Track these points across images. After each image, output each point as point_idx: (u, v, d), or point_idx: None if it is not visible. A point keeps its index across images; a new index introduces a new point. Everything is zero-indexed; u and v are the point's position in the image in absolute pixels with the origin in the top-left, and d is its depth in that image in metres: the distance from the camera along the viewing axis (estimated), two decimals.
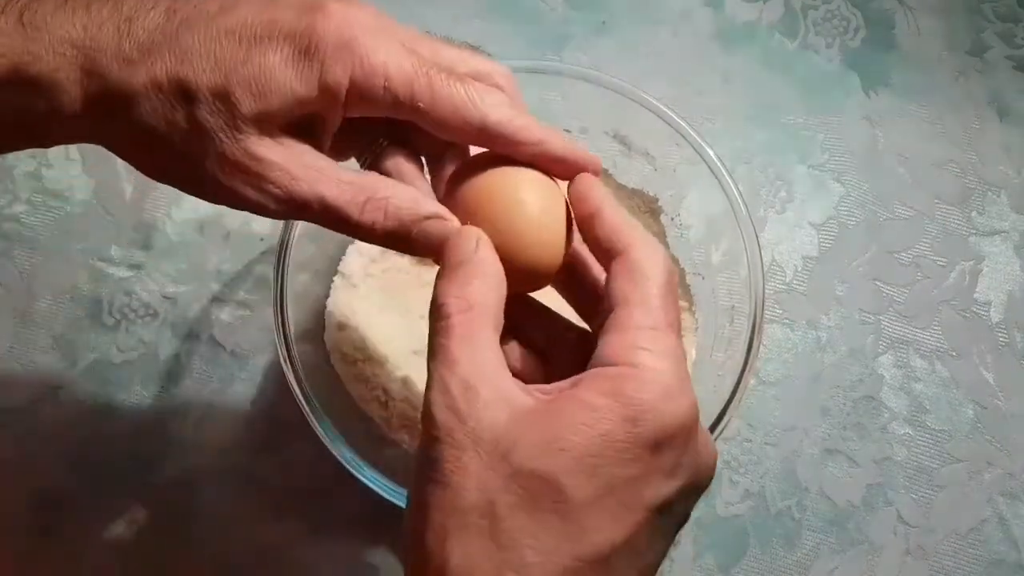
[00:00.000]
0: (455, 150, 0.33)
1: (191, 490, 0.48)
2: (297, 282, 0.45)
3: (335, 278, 0.48)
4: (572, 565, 0.25)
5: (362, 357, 0.46)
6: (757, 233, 0.44)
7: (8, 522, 0.48)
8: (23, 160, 0.53)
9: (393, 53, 0.29)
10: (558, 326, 0.34)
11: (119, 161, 0.52)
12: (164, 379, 0.50)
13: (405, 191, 0.31)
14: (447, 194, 0.32)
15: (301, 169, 0.30)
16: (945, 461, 0.50)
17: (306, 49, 0.29)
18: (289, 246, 0.43)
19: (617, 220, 0.30)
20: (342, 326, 0.47)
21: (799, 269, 0.52)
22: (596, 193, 0.31)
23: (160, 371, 0.50)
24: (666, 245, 0.49)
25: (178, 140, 0.29)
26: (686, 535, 0.48)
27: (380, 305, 0.48)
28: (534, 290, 0.32)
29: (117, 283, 0.51)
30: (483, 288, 0.29)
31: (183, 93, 0.29)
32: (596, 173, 0.32)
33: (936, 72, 0.56)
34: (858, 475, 0.49)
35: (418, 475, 0.27)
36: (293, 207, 0.30)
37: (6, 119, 0.30)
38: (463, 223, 0.31)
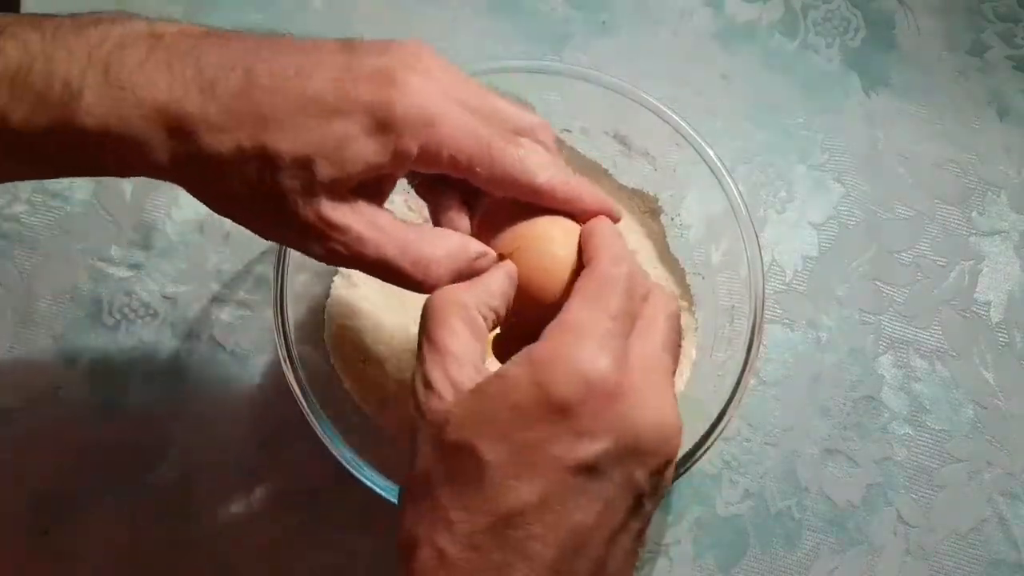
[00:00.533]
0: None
1: (191, 490, 0.48)
2: (297, 282, 0.45)
3: (335, 278, 0.48)
4: (489, 521, 0.28)
5: (362, 357, 0.46)
6: (757, 233, 0.44)
7: (8, 522, 0.48)
8: None
9: (459, 126, 0.32)
10: None
11: None
12: (164, 379, 0.50)
13: (452, 242, 0.34)
14: (481, 229, 0.36)
15: (368, 231, 0.32)
16: (945, 461, 0.50)
17: (383, 122, 0.31)
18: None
19: (601, 241, 0.33)
20: (342, 326, 0.47)
21: (799, 269, 0.52)
22: (599, 224, 0.35)
23: (160, 371, 0.50)
24: (666, 245, 0.49)
25: (257, 200, 0.32)
26: (686, 535, 0.48)
27: (380, 305, 0.48)
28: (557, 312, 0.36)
29: (117, 283, 0.51)
30: (463, 294, 0.32)
31: (266, 160, 0.30)
32: (614, 216, 0.35)
33: (936, 72, 0.56)
34: (858, 475, 0.49)
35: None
36: (357, 264, 0.33)
37: (89, 165, 0.32)
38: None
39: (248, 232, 0.52)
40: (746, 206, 0.44)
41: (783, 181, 0.54)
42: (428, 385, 0.30)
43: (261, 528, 0.48)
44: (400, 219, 0.34)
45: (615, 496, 0.29)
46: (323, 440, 0.41)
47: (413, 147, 0.31)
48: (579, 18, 0.57)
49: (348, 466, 0.41)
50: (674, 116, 0.45)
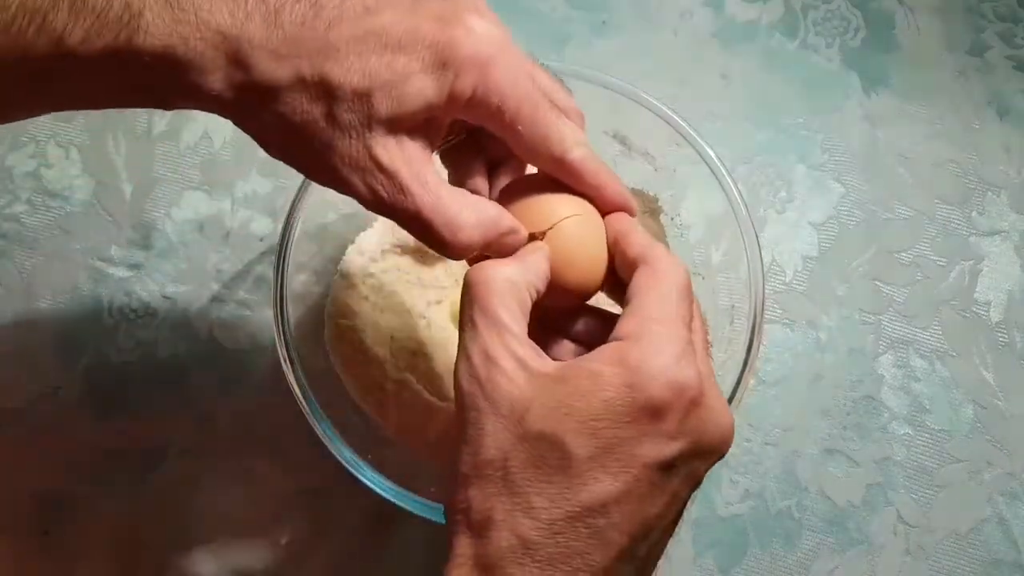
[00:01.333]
0: (515, 163, 0.37)
1: (191, 490, 0.48)
2: (297, 282, 0.45)
3: (335, 278, 0.48)
4: (573, 510, 0.29)
5: (362, 357, 0.46)
6: (757, 233, 0.44)
7: (8, 522, 0.48)
8: (23, 160, 0.53)
9: (514, 77, 0.32)
10: (609, 325, 0.37)
11: (119, 161, 0.53)
12: (164, 379, 0.50)
13: (487, 212, 0.34)
14: (503, 203, 0.35)
15: (412, 182, 0.32)
16: (945, 461, 0.50)
17: (445, 60, 0.31)
18: (289, 246, 0.43)
19: (646, 240, 0.34)
20: (342, 326, 0.47)
21: (799, 269, 0.52)
22: (627, 220, 0.35)
23: (160, 371, 0.50)
24: (666, 245, 0.49)
25: (310, 131, 0.31)
26: (686, 535, 0.48)
27: (380, 305, 0.48)
28: (582, 302, 0.36)
29: (117, 283, 0.51)
30: (511, 270, 0.32)
31: (325, 90, 0.30)
32: (632, 214, 0.36)
33: (936, 72, 0.56)
34: (858, 475, 0.49)
35: (455, 436, 0.31)
36: (390, 211, 0.32)
37: (143, 88, 0.31)
38: None
39: (248, 232, 0.52)
40: (746, 206, 0.44)
41: (783, 181, 0.54)
42: (491, 360, 0.30)
43: (261, 528, 0.48)
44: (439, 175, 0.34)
45: (680, 490, 0.31)
46: (323, 440, 0.41)
47: (468, 88, 0.31)
48: (579, 18, 0.57)
49: (348, 466, 0.41)
50: (674, 116, 0.45)
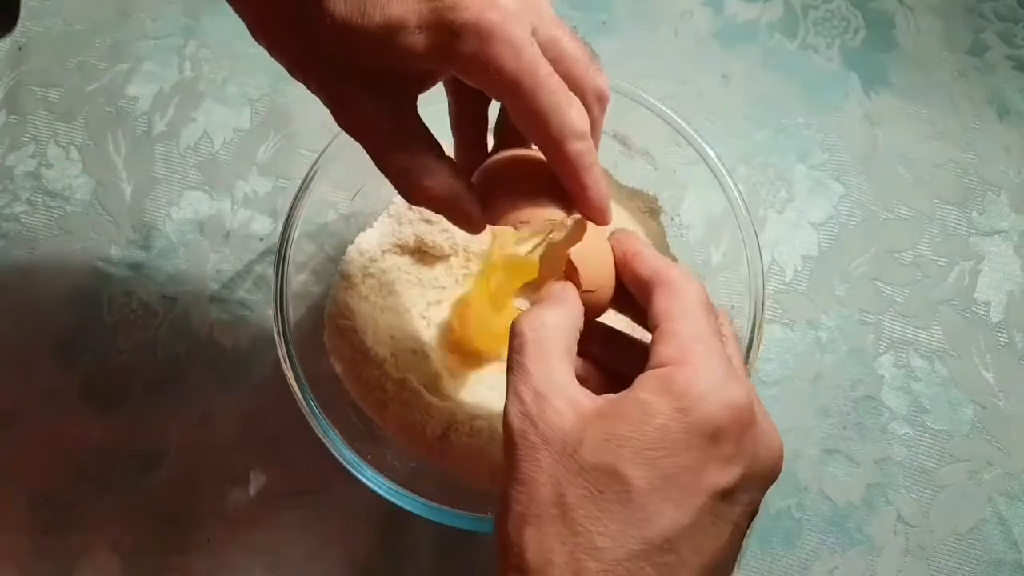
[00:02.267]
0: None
1: (191, 490, 0.48)
2: (297, 282, 0.45)
3: (335, 278, 0.48)
4: (639, 547, 0.28)
5: (362, 357, 0.46)
6: (757, 233, 0.44)
7: (8, 522, 0.48)
8: (23, 160, 0.53)
9: (515, 49, 0.31)
10: (622, 344, 0.38)
11: (119, 161, 0.53)
12: (164, 379, 0.50)
13: (449, 186, 0.34)
14: (486, 179, 0.35)
15: (391, 132, 0.33)
16: (945, 461, 0.50)
17: (449, 24, 0.30)
18: (289, 246, 0.43)
19: (659, 260, 0.34)
20: (342, 326, 0.47)
21: (799, 269, 0.52)
22: (637, 240, 0.35)
23: (160, 371, 0.50)
24: (666, 245, 0.49)
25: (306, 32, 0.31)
26: None
27: (380, 305, 0.48)
28: (593, 318, 0.36)
29: (117, 283, 0.51)
30: (557, 315, 0.33)
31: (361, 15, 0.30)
32: (606, 223, 0.36)
33: (936, 72, 0.56)
34: (858, 475, 0.49)
35: (502, 476, 0.31)
36: (360, 137, 0.33)
37: None
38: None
39: (247, 232, 0.52)
40: (746, 206, 0.44)
41: (783, 181, 0.54)
42: (542, 398, 0.30)
43: (261, 528, 0.48)
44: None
45: (741, 520, 0.30)
46: (323, 440, 0.41)
47: (467, 51, 0.31)
48: (579, 18, 0.57)
49: (348, 466, 0.41)
50: (674, 116, 0.45)
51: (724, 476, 0.29)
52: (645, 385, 0.30)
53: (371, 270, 0.49)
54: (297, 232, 0.44)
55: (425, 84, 0.34)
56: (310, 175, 0.44)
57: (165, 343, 0.50)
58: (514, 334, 0.32)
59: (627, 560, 0.28)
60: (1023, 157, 0.54)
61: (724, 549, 0.29)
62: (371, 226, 0.50)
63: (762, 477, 0.30)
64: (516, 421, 0.30)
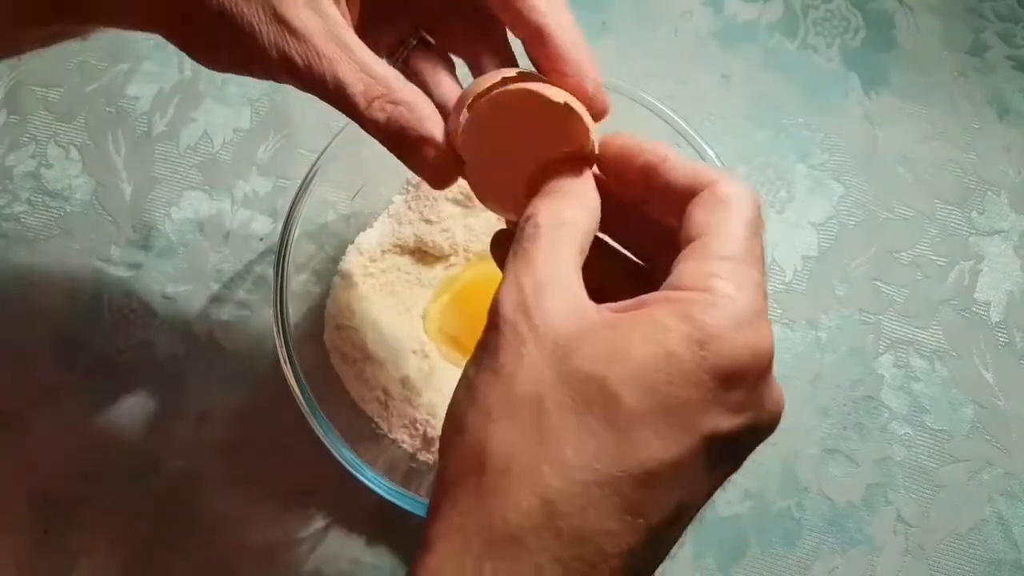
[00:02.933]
0: (489, 58, 0.33)
1: (191, 490, 0.48)
2: (297, 282, 0.45)
3: (335, 278, 0.48)
4: (613, 474, 0.24)
5: (362, 357, 0.46)
6: None
7: (8, 522, 0.48)
8: (23, 160, 0.53)
9: None
10: (616, 262, 0.34)
11: (119, 161, 0.53)
12: (164, 379, 0.50)
13: (416, 102, 0.30)
14: (473, 122, 0.31)
15: (328, 45, 0.29)
16: (945, 461, 0.50)
17: None
18: (289, 246, 0.43)
19: (690, 163, 0.29)
20: (342, 326, 0.47)
21: (799, 269, 0.52)
22: (659, 144, 0.30)
23: (160, 371, 0.50)
24: None
25: (209, 4, 0.28)
26: (686, 534, 0.48)
27: (380, 305, 0.48)
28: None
29: (117, 283, 0.51)
30: (577, 210, 0.29)
31: None
32: (606, 113, 0.32)
33: (936, 72, 0.56)
34: (858, 475, 0.49)
35: (475, 363, 0.27)
36: (306, 80, 0.29)
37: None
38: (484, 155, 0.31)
39: (247, 232, 0.52)
40: None
41: (783, 181, 0.54)
42: (544, 291, 0.26)
43: (261, 528, 0.48)
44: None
45: (723, 471, 0.27)
46: (323, 440, 0.41)
47: None
48: (579, 18, 0.56)
49: (348, 466, 0.41)
50: (674, 116, 0.45)
51: (727, 423, 0.25)
52: (663, 306, 0.26)
53: (371, 270, 0.49)
54: (297, 232, 0.44)
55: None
56: (310, 175, 0.44)
57: (165, 343, 0.50)
58: (527, 223, 0.28)
59: (596, 484, 0.24)
60: (1023, 157, 0.54)
61: (697, 498, 0.27)
62: (371, 226, 0.50)
63: (762, 431, 0.27)
64: (508, 308, 0.26)
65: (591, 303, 0.27)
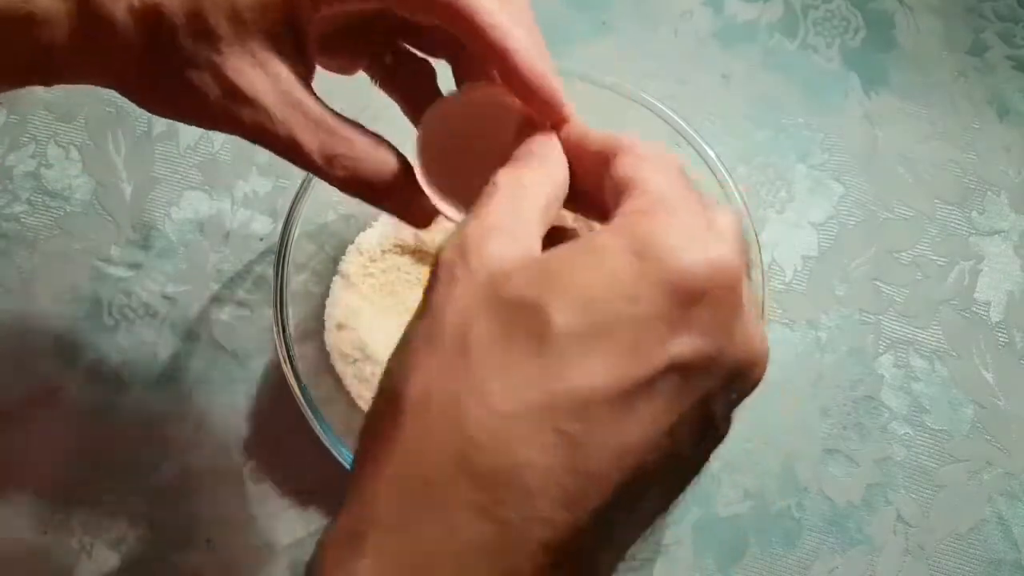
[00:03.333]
0: (467, 56, 0.32)
1: (191, 490, 0.48)
2: (296, 282, 0.45)
3: (335, 278, 0.48)
4: (541, 400, 0.21)
5: (362, 356, 0.46)
6: (757, 233, 0.44)
7: (9, 522, 0.48)
8: (23, 160, 0.53)
9: None
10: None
11: (119, 161, 0.53)
12: (164, 379, 0.50)
13: (375, 156, 0.30)
14: (431, 140, 0.30)
15: (281, 108, 0.29)
16: (945, 461, 0.50)
17: None
18: (289, 246, 0.43)
19: (608, 133, 0.28)
20: (342, 326, 0.47)
21: (799, 269, 0.52)
22: (576, 122, 0.29)
23: (160, 371, 0.50)
24: None
25: (162, 67, 0.29)
26: (686, 535, 0.48)
27: (380, 305, 0.48)
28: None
29: (117, 283, 0.51)
30: (538, 173, 0.27)
31: (159, 19, 0.28)
32: (557, 124, 0.29)
33: (936, 72, 0.56)
34: (858, 475, 0.49)
35: (412, 317, 0.25)
36: (261, 142, 0.30)
37: (5, 54, 0.30)
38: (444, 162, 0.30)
39: (248, 232, 0.52)
40: (746, 206, 0.45)
41: (783, 181, 0.54)
42: (489, 231, 0.24)
43: (261, 528, 0.48)
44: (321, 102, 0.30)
45: (692, 422, 0.22)
46: (323, 440, 0.41)
47: None
48: (579, 19, 0.57)
49: (348, 466, 0.41)
50: (674, 116, 0.46)
51: (686, 347, 0.21)
52: (600, 231, 0.23)
53: (371, 270, 0.49)
54: (297, 232, 0.44)
55: (305, 42, 0.30)
56: (310, 175, 0.44)
57: (165, 343, 0.50)
58: (486, 188, 0.26)
59: (523, 416, 0.21)
60: (1023, 157, 0.55)
61: (664, 460, 0.22)
62: (371, 226, 0.50)
63: (733, 373, 0.23)
64: (447, 254, 0.24)
65: (538, 247, 0.24)
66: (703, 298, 0.22)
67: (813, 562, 0.48)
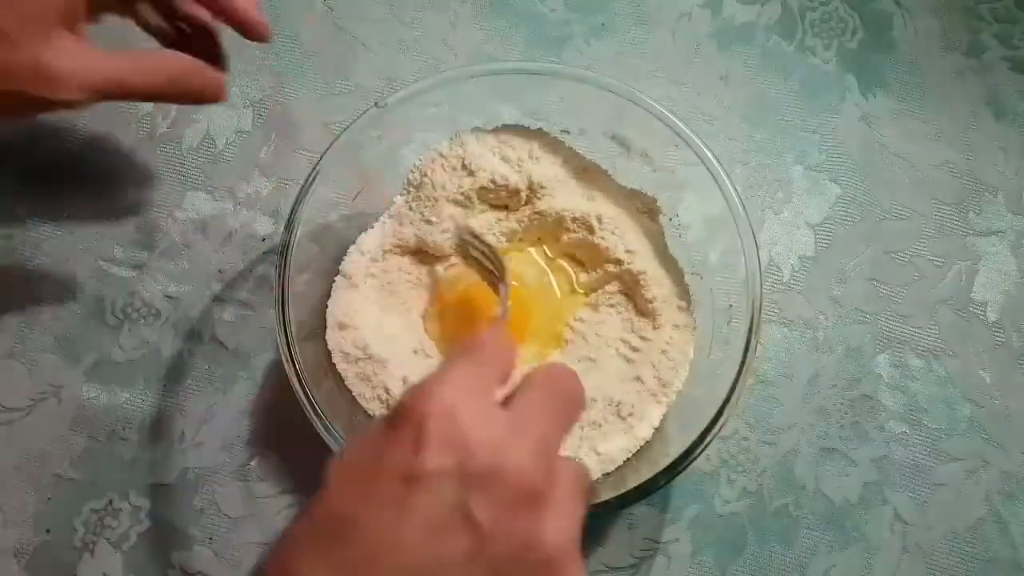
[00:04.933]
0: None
1: (192, 490, 0.48)
2: (298, 282, 0.45)
3: (336, 278, 0.49)
4: (309, 521, 0.28)
5: (363, 356, 0.46)
6: (755, 233, 0.45)
7: (11, 521, 0.48)
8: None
9: None
10: None
11: (122, 162, 0.53)
12: (166, 379, 0.50)
13: (175, 63, 0.42)
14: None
15: (105, 61, 0.39)
16: (942, 460, 0.50)
17: None
18: (291, 246, 0.44)
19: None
20: (343, 326, 0.47)
21: (796, 269, 0.53)
22: None
23: (162, 371, 0.50)
24: (665, 245, 0.50)
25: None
26: (684, 533, 0.48)
27: (381, 305, 0.49)
28: None
29: (119, 283, 0.51)
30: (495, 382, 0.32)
31: None
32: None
33: (933, 73, 0.56)
34: (855, 473, 0.50)
35: None
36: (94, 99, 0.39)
37: None
38: None
39: (250, 232, 0.52)
40: (744, 207, 0.45)
41: (780, 182, 0.54)
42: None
43: (262, 527, 0.48)
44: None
45: (451, 519, 0.27)
46: (325, 440, 0.42)
47: None
48: (578, 20, 0.57)
49: None
50: (672, 117, 0.46)
51: (406, 460, 0.27)
52: None
53: (372, 270, 0.49)
54: (299, 233, 0.44)
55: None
56: (312, 176, 0.45)
57: (167, 343, 0.51)
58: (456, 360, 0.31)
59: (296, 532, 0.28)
60: (1020, 158, 0.55)
61: (423, 551, 0.26)
62: (372, 227, 0.50)
63: (472, 476, 0.27)
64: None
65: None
66: (404, 417, 0.28)
67: (811, 560, 0.48)
